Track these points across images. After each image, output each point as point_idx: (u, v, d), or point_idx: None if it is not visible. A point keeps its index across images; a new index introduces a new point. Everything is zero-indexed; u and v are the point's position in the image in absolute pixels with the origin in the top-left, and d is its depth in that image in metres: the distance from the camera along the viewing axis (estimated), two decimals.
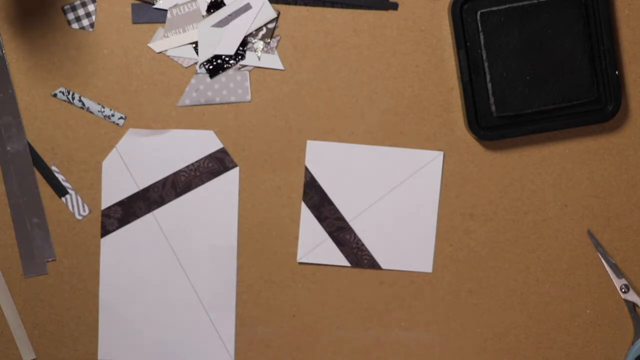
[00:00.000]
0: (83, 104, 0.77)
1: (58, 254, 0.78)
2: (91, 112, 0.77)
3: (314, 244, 0.78)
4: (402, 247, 0.78)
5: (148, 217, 0.78)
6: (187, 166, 0.78)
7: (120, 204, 0.78)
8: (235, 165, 0.78)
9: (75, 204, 0.78)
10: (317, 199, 0.78)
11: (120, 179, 0.78)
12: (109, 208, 0.78)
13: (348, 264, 0.78)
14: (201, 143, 0.77)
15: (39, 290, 0.78)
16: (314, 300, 0.79)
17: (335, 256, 0.78)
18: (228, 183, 0.78)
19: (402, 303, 0.79)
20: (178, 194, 0.78)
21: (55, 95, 0.77)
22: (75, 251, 0.78)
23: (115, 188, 0.78)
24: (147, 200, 0.78)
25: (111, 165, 0.78)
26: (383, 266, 0.78)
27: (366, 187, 0.78)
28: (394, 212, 0.78)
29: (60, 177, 0.77)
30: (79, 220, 0.78)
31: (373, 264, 0.78)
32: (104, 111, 0.77)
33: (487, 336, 0.79)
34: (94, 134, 0.77)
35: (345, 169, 0.78)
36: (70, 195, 0.77)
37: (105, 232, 0.78)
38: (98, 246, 0.78)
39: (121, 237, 0.78)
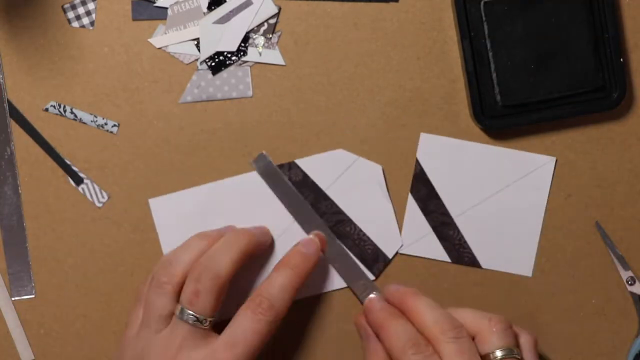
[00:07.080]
0: (75, 116, 0.77)
1: (61, 254, 0.78)
2: (84, 123, 0.77)
3: (418, 236, 0.78)
4: (504, 248, 0.78)
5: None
6: None
7: None
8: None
9: (92, 192, 0.78)
10: (424, 192, 0.77)
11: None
12: None
13: (449, 260, 0.78)
14: None
15: (44, 289, 0.78)
16: None
17: (437, 250, 0.78)
18: None
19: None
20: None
21: (47, 109, 0.77)
22: (78, 250, 0.78)
23: None
24: None
25: None
26: (483, 265, 0.78)
27: (474, 185, 0.77)
28: (499, 213, 0.77)
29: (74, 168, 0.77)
30: (99, 207, 0.78)
31: (473, 262, 0.78)
32: (96, 120, 0.77)
33: None
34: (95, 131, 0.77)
35: (455, 165, 0.77)
36: (87, 184, 0.77)
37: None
38: (102, 245, 0.78)
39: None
